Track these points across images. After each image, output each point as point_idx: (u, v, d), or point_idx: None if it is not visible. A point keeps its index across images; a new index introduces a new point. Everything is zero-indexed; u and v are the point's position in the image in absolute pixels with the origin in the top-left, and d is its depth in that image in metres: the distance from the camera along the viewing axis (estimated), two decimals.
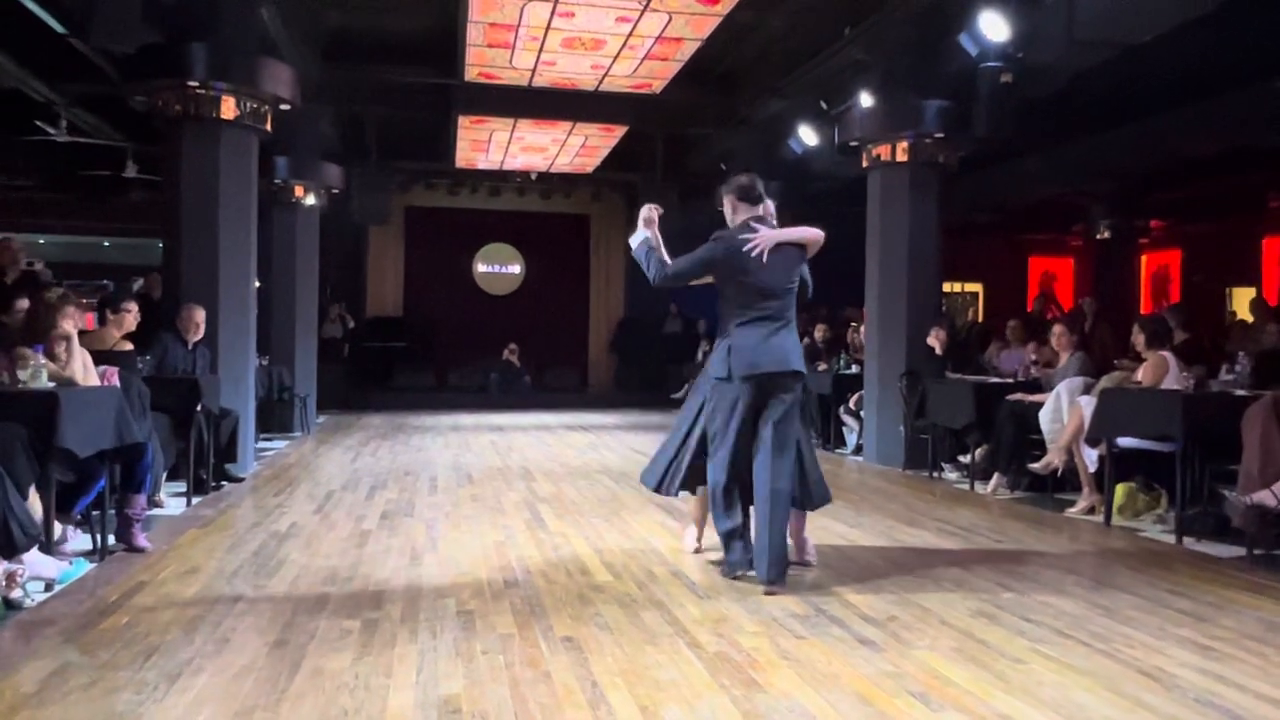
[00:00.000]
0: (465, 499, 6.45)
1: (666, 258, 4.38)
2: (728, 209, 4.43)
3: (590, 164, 14.17)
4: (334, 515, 5.76)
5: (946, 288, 13.57)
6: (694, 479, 4.49)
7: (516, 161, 14.15)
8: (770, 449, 4.06)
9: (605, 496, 6.64)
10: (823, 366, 10.00)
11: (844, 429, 9.57)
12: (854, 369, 9.53)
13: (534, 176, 15.37)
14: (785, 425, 4.11)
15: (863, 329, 9.62)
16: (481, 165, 14.49)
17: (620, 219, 17.49)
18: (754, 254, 4.18)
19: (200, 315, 6.70)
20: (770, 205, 4.44)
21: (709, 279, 4.30)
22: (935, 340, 8.06)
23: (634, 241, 4.47)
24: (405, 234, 16.88)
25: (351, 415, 13.21)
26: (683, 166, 14.52)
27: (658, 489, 4.55)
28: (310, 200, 10.93)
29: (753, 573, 4.07)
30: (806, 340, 12.39)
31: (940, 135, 8.13)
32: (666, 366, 15.96)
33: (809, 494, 4.40)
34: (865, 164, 8.57)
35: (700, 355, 14.74)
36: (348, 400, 14.60)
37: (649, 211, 4.46)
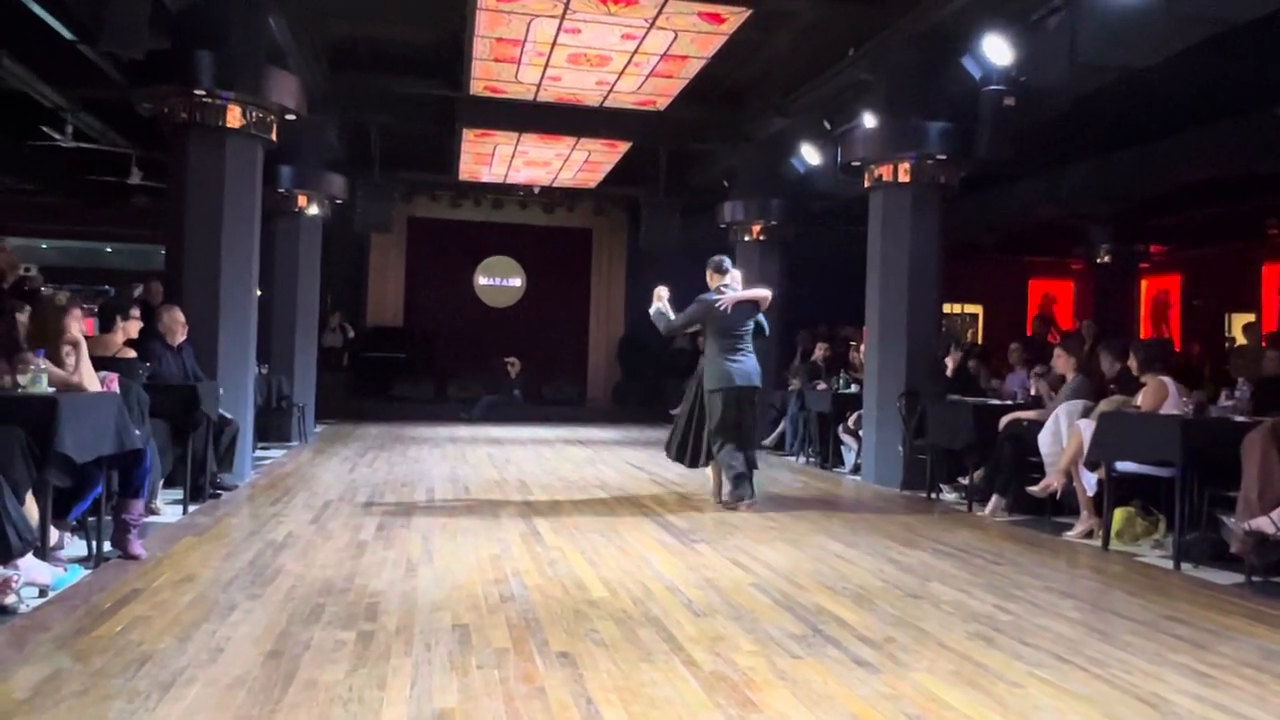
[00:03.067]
0: (462, 511, 6.44)
1: (671, 315, 7.08)
2: (709, 277, 6.96)
3: (593, 179, 14.22)
4: (330, 525, 5.75)
5: (947, 308, 13.60)
6: (707, 454, 6.93)
7: (520, 175, 14.19)
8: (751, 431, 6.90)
9: (602, 512, 6.62)
10: (822, 385, 10.01)
11: (842, 448, 9.55)
12: (853, 388, 9.52)
13: (537, 190, 15.41)
14: (751, 421, 6.88)
15: (862, 348, 9.62)
16: (485, 178, 14.53)
17: (622, 234, 17.53)
18: (722, 309, 6.77)
19: (181, 316, 6.69)
20: (737, 273, 7.03)
21: (697, 327, 7.04)
22: (952, 361, 8.06)
23: (652, 309, 7.15)
24: (407, 245, 16.91)
25: (349, 425, 13.20)
26: (686, 182, 14.55)
27: (692, 464, 7.09)
28: (313, 210, 10.96)
29: (751, 500, 6.69)
30: (797, 359, 12.53)
31: (942, 156, 8.15)
32: (667, 381, 15.93)
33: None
34: (867, 184, 8.58)
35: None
36: (346, 410, 14.58)
37: (663, 290, 7.20)
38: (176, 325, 6.65)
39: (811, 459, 10.06)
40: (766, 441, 11.33)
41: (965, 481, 7.33)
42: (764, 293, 6.93)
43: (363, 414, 14.71)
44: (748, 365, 6.78)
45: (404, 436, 11.87)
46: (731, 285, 6.91)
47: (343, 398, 14.58)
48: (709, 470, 7.13)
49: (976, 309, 17.71)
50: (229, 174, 7.30)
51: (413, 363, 16.06)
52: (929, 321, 8.45)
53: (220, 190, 7.28)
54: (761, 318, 6.93)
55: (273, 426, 10.29)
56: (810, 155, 10.67)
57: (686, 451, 7.05)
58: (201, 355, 6.95)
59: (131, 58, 6.71)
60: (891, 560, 5.22)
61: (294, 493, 7.02)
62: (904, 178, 8.28)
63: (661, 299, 7.12)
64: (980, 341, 15.80)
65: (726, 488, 6.86)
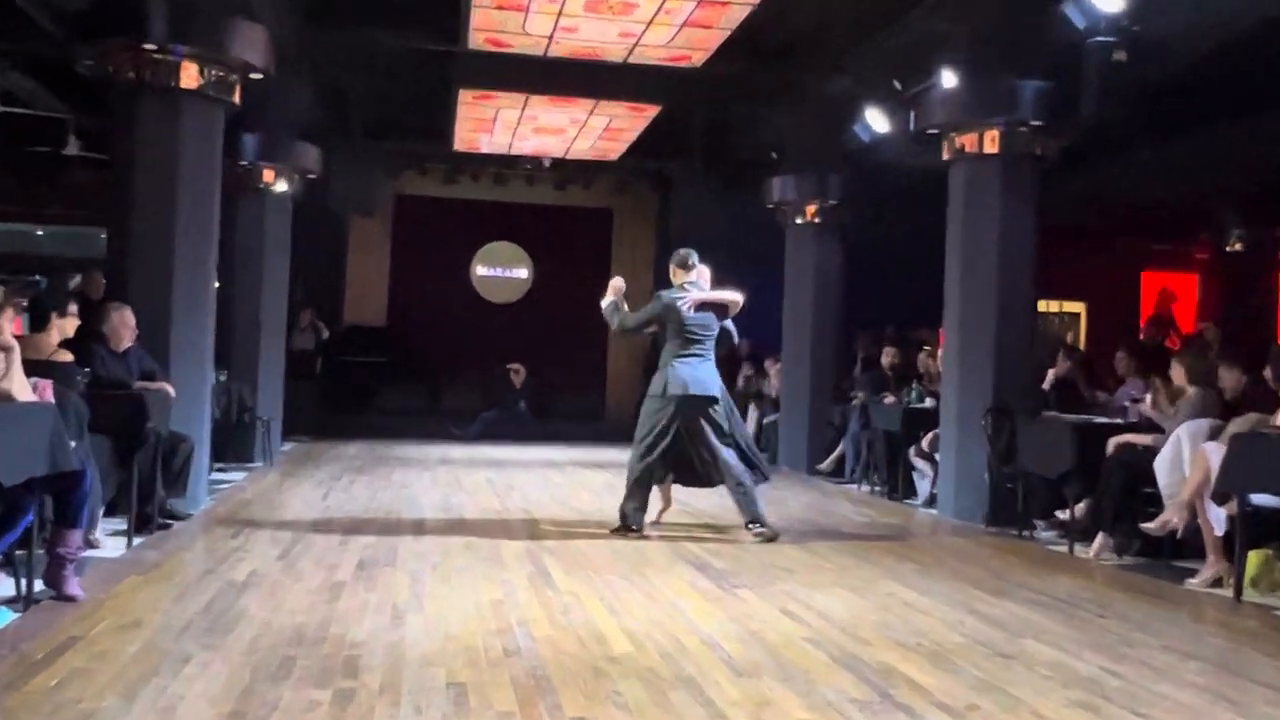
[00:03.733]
0: (457, 548, 6.46)
1: (625, 309, 7.38)
2: (672, 273, 7.32)
3: (615, 150, 14.24)
4: (301, 563, 5.78)
5: (1042, 306, 13.51)
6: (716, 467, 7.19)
7: (527, 145, 14.25)
8: (718, 448, 7.12)
9: (625, 549, 6.62)
10: (890, 399, 9.97)
11: (915, 474, 9.52)
12: (928, 402, 9.49)
13: (547, 163, 15.45)
14: (720, 431, 7.13)
15: (939, 354, 9.57)
16: (485, 149, 14.59)
17: (650, 214, 17.53)
18: (684, 308, 7.08)
19: (132, 319, 6.77)
20: (705, 270, 7.36)
21: (654, 328, 7.34)
22: (1057, 370, 8.01)
23: (604, 303, 7.39)
24: (393, 228, 17.01)
25: (323, 443, 13.29)
26: (726, 153, 14.53)
27: (708, 483, 7.38)
28: (282, 186, 11.07)
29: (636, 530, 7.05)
30: (858, 367, 12.48)
31: (1038, 122, 8.11)
32: None
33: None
34: (947, 155, 8.56)
35: (741, 380, 14.72)
36: (319, 425, 14.63)
37: (619, 282, 7.41)
38: (125, 330, 6.73)
39: (877, 487, 10.03)
40: (822, 466, 11.32)
41: (1065, 516, 7.28)
42: (734, 296, 7.29)
43: (339, 430, 14.74)
44: (704, 374, 7.09)
45: (388, 457, 11.93)
46: (697, 283, 7.28)
47: (315, 410, 14.62)
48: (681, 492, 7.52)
49: (1078, 307, 17.55)
50: (184, 143, 7.37)
51: (399, 369, 16.15)
52: (1021, 322, 8.41)
53: (174, 163, 7.35)
54: (729, 324, 7.34)
55: (233, 444, 10.35)
56: (877, 121, 10.62)
57: (695, 472, 7.28)
58: (152, 358, 7.03)
59: (71, 7, 6.81)
60: (974, 611, 5.18)
61: (258, 523, 7.06)
62: (991, 148, 8.25)
63: (617, 292, 7.40)
64: (1083, 347, 15.67)
65: (631, 507, 7.13)
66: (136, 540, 6.19)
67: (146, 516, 6.48)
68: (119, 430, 6.07)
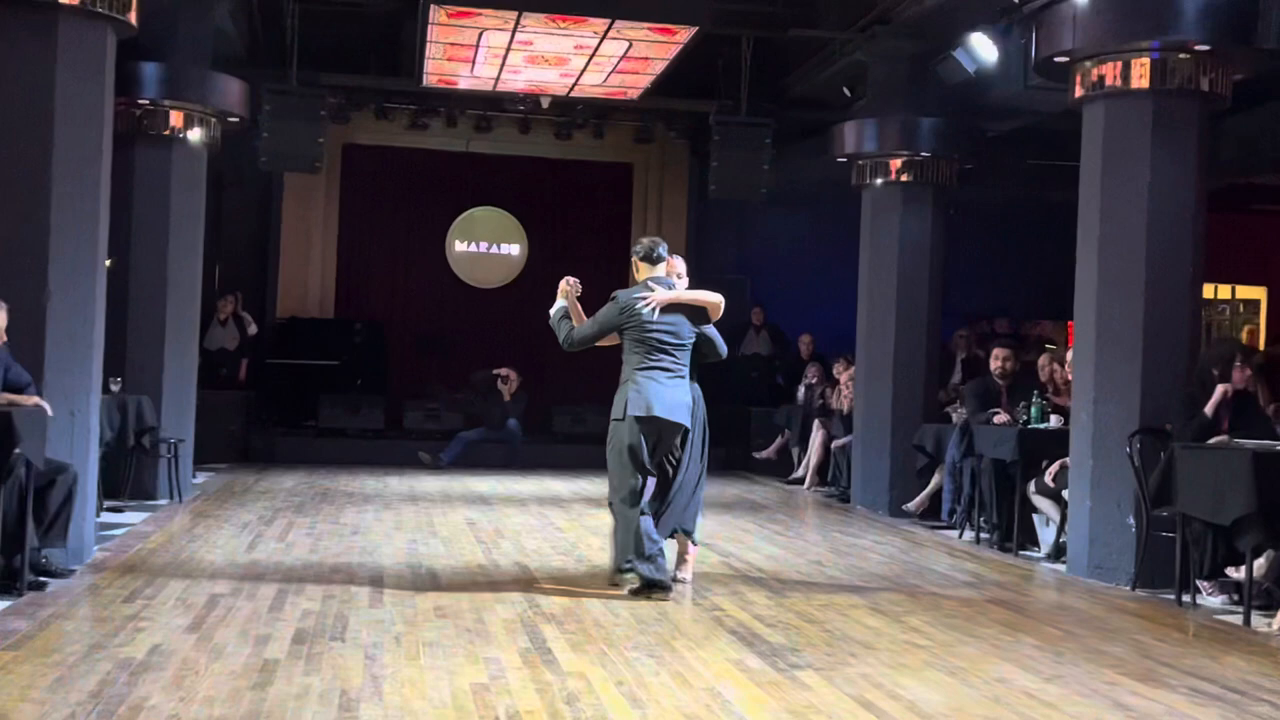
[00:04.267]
0: (427, 614, 6.42)
1: (583, 318, 7.52)
2: (634, 268, 7.47)
3: (636, 86, 14.19)
4: (220, 635, 5.74)
5: (1207, 293, 13.35)
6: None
7: (519, 80, 14.21)
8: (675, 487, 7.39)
9: (649, 614, 6.59)
10: (1001, 417, 9.86)
11: (1035, 518, 9.46)
12: (1052, 422, 9.41)
13: (546, 104, 15.44)
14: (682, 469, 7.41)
15: (1068, 357, 9.45)
16: (464, 84, 14.56)
17: (682, 172, 17.51)
18: (645, 312, 7.14)
19: (4, 316, 6.73)
20: (678, 263, 7.67)
21: (614, 338, 7.34)
22: (1238, 381, 7.89)
23: (553, 309, 7.57)
24: (341, 191, 17.07)
25: (249, 473, 13.30)
26: (782, 92, 14.48)
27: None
28: (195, 134, 11.06)
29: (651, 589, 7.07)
30: (956, 374, 12.36)
31: (1204, 47, 8.04)
32: (748, 408, 15.88)
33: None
34: (1079, 92, 8.53)
35: (803, 392, 14.66)
36: (244, 449, 14.68)
37: (567, 285, 7.58)
38: None
39: (985, 534, 9.97)
40: (911, 506, 11.26)
41: (1239, 576, 7.20)
42: (711, 297, 7.42)
43: (270, 455, 14.79)
44: (674, 394, 7.19)
45: (335, 492, 11.92)
46: (666, 281, 7.42)
47: (239, 430, 14.68)
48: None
49: (1256, 293, 17.41)
50: (61, 76, 7.36)
51: (350, 375, 16.16)
52: (1180, 314, 8.36)
53: (47, 103, 7.34)
54: (711, 331, 7.47)
55: (129, 476, 10.36)
56: (984, 48, 10.52)
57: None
58: (19, 363, 7.01)
59: None
60: (1118, 705, 5.11)
61: (161, 581, 7.02)
62: (1140, 81, 8.20)
63: (568, 294, 7.58)
64: (1263, 347, 15.51)
65: (612, 555, 7.37)
66: (1, 604, 6.15)
67: (13, 572, 6.44)
68: None
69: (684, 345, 7.27)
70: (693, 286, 7.68)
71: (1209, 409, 7.84)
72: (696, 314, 7.35)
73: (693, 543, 7.61)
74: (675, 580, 7.39)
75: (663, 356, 7.18)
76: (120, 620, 5.99)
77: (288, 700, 4.68)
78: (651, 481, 7.32)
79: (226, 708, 4.54)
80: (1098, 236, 8.48)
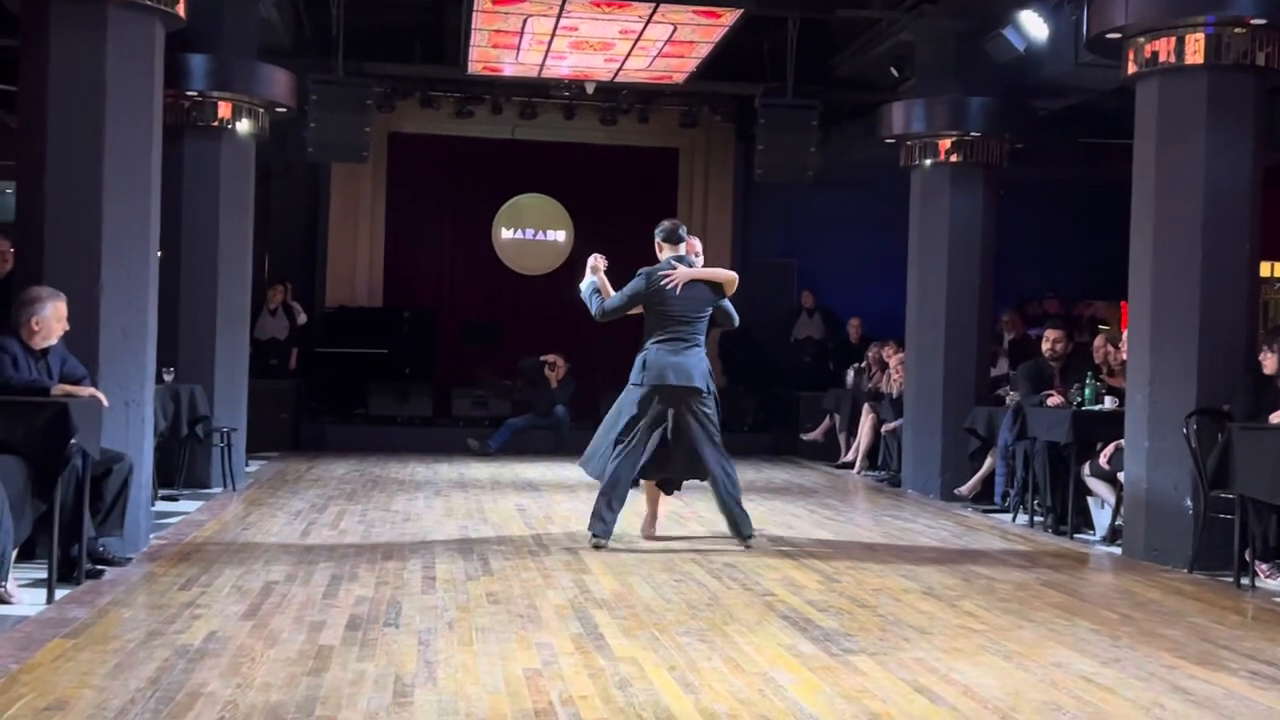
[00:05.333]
0: (479, 600, 6.46)
1: (610, 292, 8.45)
2: (657, 248, 8.42)
3: (681, 71, 14.17)
4: (275, 622, 5.79)
5: (1264, 270, 13.20)
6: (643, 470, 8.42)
7: (564, 67, 14.22)
8: (702, 444, 8.25)
9: (701, 600, 6.60)
10: (1054, 399, 9.79)
11: (1090, 501, 9.41)
12: (1107, 403, 9.35)
13: (591, 90, 15.43)
14: (705, 426, 8.25)
15: (1122, 338, 9.38)
16: (509, 72, 14.60)
17: (728, 157, 17.45)
18: (670, 287, 8.11)
19: (65, 308, 6.81)
20: (695, 243, 8.61)
21: (639, 309, 8.30)
22: (1271, 360, 7.83)
23: (583, 285, 8.55)
24: (389, 180, 17.13)
25: (301, 461, 13.41)
26: (828, 73, 14.40)
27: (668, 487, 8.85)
28: (243, 125, 11.13)
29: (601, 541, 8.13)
30: (1002, 354, 12.28)
31: (1260, 21, 7.96)
32: (796, 393, 15.86)
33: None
34: (1132, 69, 8.48)
35: (851, 375, 14.61)
36: (296, 438, 14.79)
37: (596, 261, 8.52)
38: (57, 324, 6.79)
39: (1039, 517, 9.93)
40: (963, 490, 11.21)
41: None
42: (728, 274, 8.47)
43: (320, 443, 14.90)
44: (688, 362, 8.17)
45: (386, 479, 12.00)
46: (687, 259, 8.39)
47: (290, 419, 14.78)
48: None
49: None
50: (112, 69, 7.41)
51: (398, 364, 16.23)
52: (1237, 293, 8.30)
53: (100, 94, 7.39)
54: (726, 303, 8.42)
55: (183, 465, 10.47)
56: (1034, 26, 10.45)
57: (671, 465, 8.48)
58: (74, 355, 7.10)
59: None
60: (1177, 689, 5.09)
61: (217, 569, 7.09)
62: (1194, 58, 8.13)
63: (597, 270, 8.52)
64: None
65: (599, 514, 8.28)
66: (59, 593, 6.22)
67: (72, 561, 6.51)
68: (35, 449, 6.12)
69: (700, 318, 8.26)
70: (731, 268, 8.68)
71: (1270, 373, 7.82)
72: (714, 288, 8.32)
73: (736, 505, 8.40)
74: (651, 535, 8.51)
75: (680, 328, 8.17)
76: (177, 608, 6.05)
77: (343, 685, 4.72)
78: (649, 449, 8.25)
79: (283, 694, 4.59)
80: (1152, 216, 8.42)
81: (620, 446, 8.27)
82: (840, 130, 14.87)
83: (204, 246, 10.94)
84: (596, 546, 8.12)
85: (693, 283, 8.25)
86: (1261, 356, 7.97)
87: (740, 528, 8.36)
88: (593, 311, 8.49)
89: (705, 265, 8.67)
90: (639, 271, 8.34)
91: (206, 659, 5.07)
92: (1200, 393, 8.11)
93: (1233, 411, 7.91)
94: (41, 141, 7.42)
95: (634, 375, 8.30)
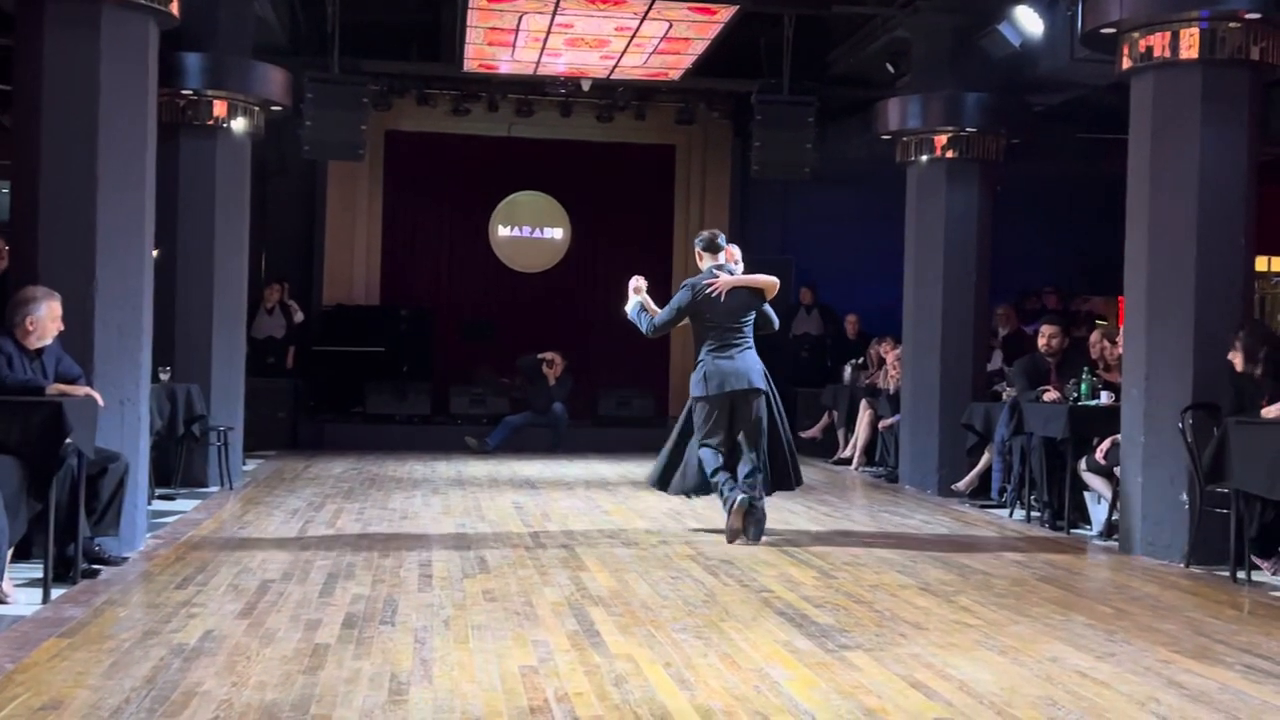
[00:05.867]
0: (476, 597, 6.47)
1: (656, 309, 8.74)
2: (697, 257, 8.74)
3: (678, 67, 14.18)
4: (271, 620, 5.79)
5: (1260, 265, 13.20)
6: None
7: (559, 64, 14.22)
8: (745, 445, 8.48)
9: (698, 597, 6.60)
10: (1051, 394, 9.79)
11: (1087, 496, 9.41)
12: (1103, 398, 9.35)
13: (587, 87, 15.43)
14: (754, 427, 8.50)
15: (1119, 333, 9.38)
16: (505, 69, 14.60)
17: (724, 153, 17.44)
18: (715, 295, 8.39)
19: (60, 308, 6.80)
20: (734, 250, 8.97)
21: (687, 320, 8.63)
22: (1238, 358, 7.84)
23: (629, 307, 8.80)
24: (385, 178, 17.12)
25: (298, 460, 13.41)
26: (824, 69, 14.41)
27: (661, 487, 9.07)
28: (239, 123, 11.12)
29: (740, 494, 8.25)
30: (996, 350, 12.29)
31: (1254, 15, 7.97)
32: (794, 389, 15.85)
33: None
34: (1126, 64, 8.47)
35: (849, 372, 14.60)
36: (292, 436, 14.79)
37: (637, 282, 8.82)
38: (52, 324, 6.78)
39: (1035, 512, 9.93)
40: (960, 485, 11.22)
41: None
42: (769, 279, 8.67)
43: (318, 442, 14.90)
44: (744, 364, 8.46)
45: (383, 477, 12.00)
46: (726, 266, 8.69)
47: (287, 417, 14.78)
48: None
49: None
50: (106, 67, 7.41)
51: (396, 362, 16.24)
52: (1233, 288, 8.29)
53: (94, 93, 7.40)
54: (768, 308, 8.71)
55: (179, 464, 10.47)
56: (1030, 21, 10.45)
57: (660, 473, 8.98)
58: (69, 354, 7.09)
59: None
60: (1173, 683, 5.09)
61: (213, 568, 7.10)
62: (1189, 52, 8.13)
63: (640, 291, 8.82)
64: None
65: (720, 502, 8.52)
66: (55, 592, 6.21)
67: (68, 561, 6.51)
68: (30, 448, 6.11)
69: (748, 321, 8.52)
70: (746, 270, 8.82)
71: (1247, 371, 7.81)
72: (756, 293, 8.57)
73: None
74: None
75: (730, 334, 8.44)
76: (173, 607, 6.05)
77: (338, 684, 4.72)
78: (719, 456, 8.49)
79: (278, 692, 4.59)
80: (1148, 210, 8.42)
81: (714, 447, 8.50)
82: (837, 126, 14.87)
83: (200, 245, 10.93)
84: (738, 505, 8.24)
85: (735, 289, 8.50)
86: (1230, 355, 7.97)
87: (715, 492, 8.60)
88: (643, 330, 8.76)
89: (746, 271, 8.87)
90: (683, 284, 8.69)
91: (202, 658, 5.07)
92: (1196, 387, 8.10)
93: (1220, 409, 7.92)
94: (36, 140, 7.42)
95: (694, 387, 8.54)
